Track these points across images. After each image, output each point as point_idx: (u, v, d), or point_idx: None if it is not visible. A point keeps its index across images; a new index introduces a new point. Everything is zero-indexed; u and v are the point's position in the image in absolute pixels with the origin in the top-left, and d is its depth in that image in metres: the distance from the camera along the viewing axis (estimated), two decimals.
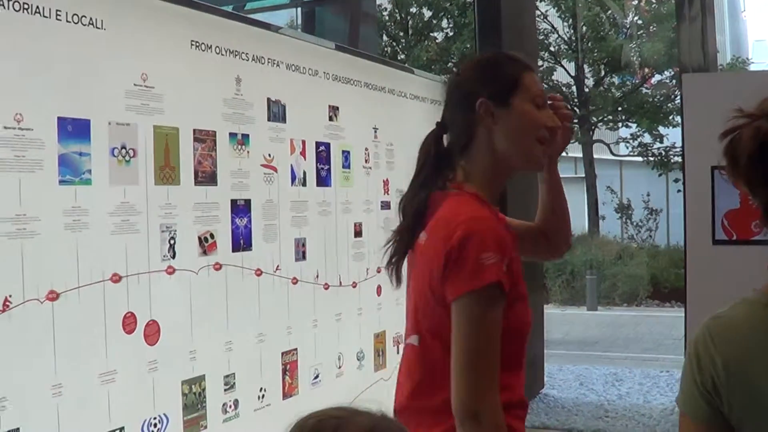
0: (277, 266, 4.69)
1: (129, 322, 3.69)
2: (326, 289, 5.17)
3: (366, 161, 5.71)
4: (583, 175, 26.68)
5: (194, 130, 4.10)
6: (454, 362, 2.15)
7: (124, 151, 3.69)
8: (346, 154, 5.44)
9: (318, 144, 5.13)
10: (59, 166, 3.38)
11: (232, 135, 4.36)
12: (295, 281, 4.85)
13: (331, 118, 5.29)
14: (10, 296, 3.17)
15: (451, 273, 2.16)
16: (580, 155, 26.37)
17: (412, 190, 2.42)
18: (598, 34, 25.22)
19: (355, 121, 5.58)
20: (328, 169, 5.22)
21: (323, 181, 5.16)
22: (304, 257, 4.95)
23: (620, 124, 27.80)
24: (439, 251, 2.19)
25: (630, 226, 26.86)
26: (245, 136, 4.45)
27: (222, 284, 4.26)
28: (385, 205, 5.95)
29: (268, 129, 4.66)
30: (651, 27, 25.47)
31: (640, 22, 25.82)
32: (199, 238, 4.11)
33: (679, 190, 23.77)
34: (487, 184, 2.37)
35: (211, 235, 4.18)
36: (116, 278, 3.62)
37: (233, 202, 4.35)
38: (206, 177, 4.16)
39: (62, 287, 3.38)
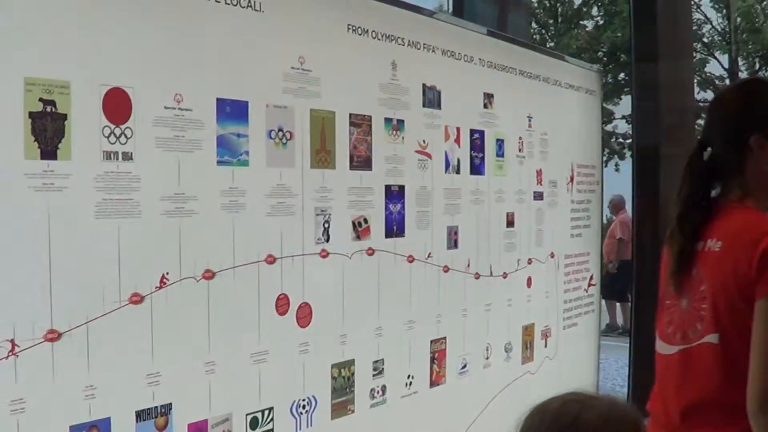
0: (429, 253, 4.50)
1: (282, 304, 3.57)
2: (477, 278, 4.94)
3: (520, 150, 5.44)
4: None
5: (350, 115, 3.94)
6: (755, 355, 2.26)
7: (281, 133, 3.56)
8: (500, 143, 5.18)
9: (473, 131, 4.90)
10: (217, 147, 3.28)
11: (388, 120, 4.19)
12: (446, 269, 4.64)
13: (485, 106, 5.05)
14: (167, 273, 3.09)
15: (762, 273, 2.30)
16: None
17: (685, 204, 2.57)
18: (753, 26, 23.93)
19: (510, 109, 5.32)
20: (482, 157, 4.99)
21: (477, 169, 4.93)
22: (456, 245, 4.73)
23: None
24: (748, 254, 2.33)
25: None
26: (400, 122, 4.27)
27: (374, 269, 4.10)
28: (538, 196, 5.67)
29: (423, 115, 4.46)
30: None
31: None
32: (353, 223, 3.95)
33: None
34: (761, 202, 2.53)
35: (365, 220, 4.02)
36: (271, 259, 3.50)
37: (387, 187, 4.17)
38: (361, 161, 4.00)
39: (218, 266, 3.27)
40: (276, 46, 3.57)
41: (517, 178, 5.40)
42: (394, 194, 4.22)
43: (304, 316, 3.68)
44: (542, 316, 5.77)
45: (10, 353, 2.63)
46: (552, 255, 5.88)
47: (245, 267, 3.39)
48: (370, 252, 4.06)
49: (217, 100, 3.28)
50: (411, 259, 4.35)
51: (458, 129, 4.75)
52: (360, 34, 4.05)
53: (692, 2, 21.68)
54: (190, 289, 3.16)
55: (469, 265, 4.86)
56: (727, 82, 24.50)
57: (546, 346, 5.84)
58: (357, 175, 3.97)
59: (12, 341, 2.64)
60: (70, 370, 2.79)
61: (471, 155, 4.87)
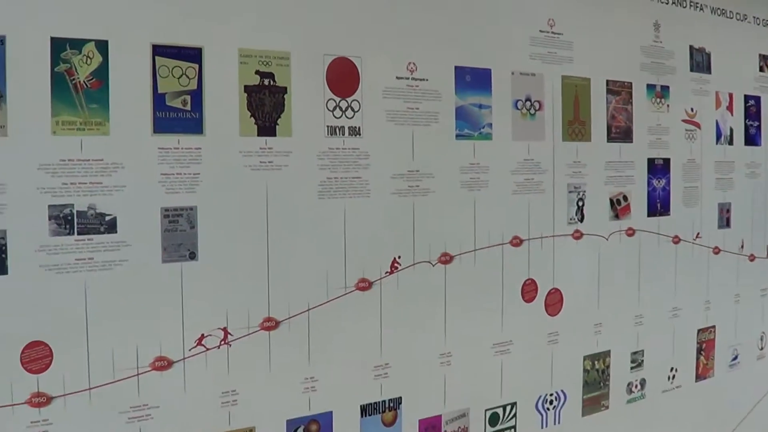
0: (698, 234, 3.58)
1: (529, 290, 2.87)
2: (752, 260, 3.94)
3: None
4: None
5: (607, 81, 3.13)
6: None
7: (528, 103, 2.84)
8: None
9: (747, 98, 3.88)
10: (456, 120, 2.63)
11: (650, 87, 3.33)
12: (716, 251, 3.70)
13: (761, 69, 4.00)
14: (399, 257, 2.49)
15: None
16: None
17: None
18: None
19: None
20: (758, 126, 3.95)
21: (752, 139, 3.91)
22: (728, 224, 3.77)
23: None
24: None
25: None
26: (664, 88, 3.39)
27: (634, 252, 3.27)
28: None
29: (690, 80, 3.54)
30: None
31: None
32: (611, 200, 3.16)
33: None
34: None
35: (624, 198, 3.21)
36: (517, 242, 2.81)
37: (650, 161, 3.32)
38: (620, 133, 3.18)
39: (456, 249, 2.63)
40: (521, 8, 2.85)
41: None
42: (658, 168, 3.36)
43: (554, 303, 2.96)
44: None
45: (222, 342, 2.15)
46: None
47: (487, 250, 2.72)
48: (630, 232, 3.24)
49: (456, 68, 2.63)
50: (677, 240, 3.47)
51: (731, 95, 3.77)
52: None
53: None
54: (424, 274, 2.55)
55: (742, 246, 3.88)
56: None
57: None
58: (615, 147, 3.16)
59: (224, 329, 2.16)
60: (289, 360, 2.28)
61: (745, 124, 3.87)
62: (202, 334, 2.13)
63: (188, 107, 2.10)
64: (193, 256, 2.10)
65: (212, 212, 2.12)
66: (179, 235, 2.08)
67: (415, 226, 2.52)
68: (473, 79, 2.67)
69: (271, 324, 2.22)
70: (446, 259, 2.60)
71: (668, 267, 3.44)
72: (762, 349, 4.05)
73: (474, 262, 2.67)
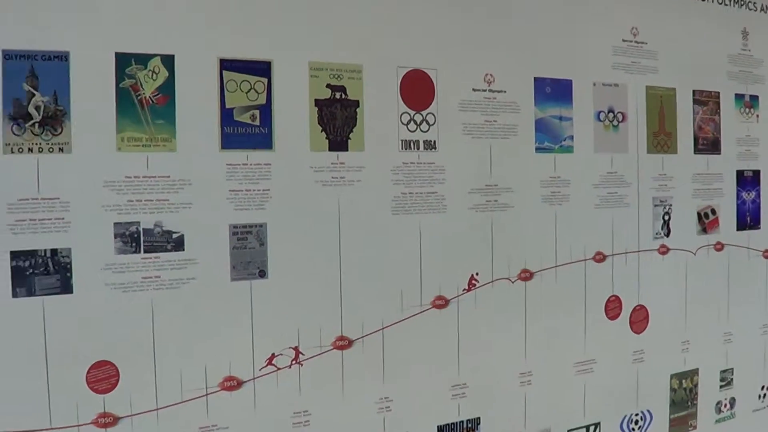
0: None
1: (613, 307, 2.51)
2: None
3: None
4: None
5: (694, 91, 2.74)
6: None
7: (611, 115, 2.49)
8: None
9: None
10: (536, 132, 2.30)
11: (739, 96, 2.91)
12: None
13: None
14: (477, 274, 2.18)
15: None
16: None
17: None
18: None
19: None
20: None
21: None
22: None
23: None
24: None
25: None
26: (753, 98, 2.96)
27: (723, 267, 2.86)
28: None
29: None
30: None
31: None
32: (698, 214, 2.76)
33: None
34: None
35: (713, 211, 2.80)
36: (600, 257, 2.46)
37: (739, 173, 2.90)
38: (707, 144, 2.78)
39: (537, 266, 2.30)
40: (604, 16, 2.50)
41: None
42: (748, 180, 2.94)
43: (639, 320, 2.59)
44: None
45: (294, 362, 1.89)
46: None
47: (569, 266, 2.38)
48: (719, 247, 2.83)
49: (535, 79, 2.31)
50: None
51: None
52: (703, 0, 2.83)
53: None
54: (503, 292, 2.23)
55: None
56: None
57: None
58: (703, 159, 2.77)
59: (296, 348, 1.90)
60: (362, 380, 2.00)
61: None
62: (273, 354, 1.88)
63: (257, 122, 1.86)
64: (263, 274, 1.86)
65: (282, 229, 1.87)
66: (248, 252, 1.84)
67: (493, 241, 2.21)
68: (553, 91, 2.35)
69: (344, 343, 1.96)
70: (526, 275, 2.28)
71: (759, 282, 3.00)
72: None
73: (555, 279, 2.34)
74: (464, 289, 2.15)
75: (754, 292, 2.97)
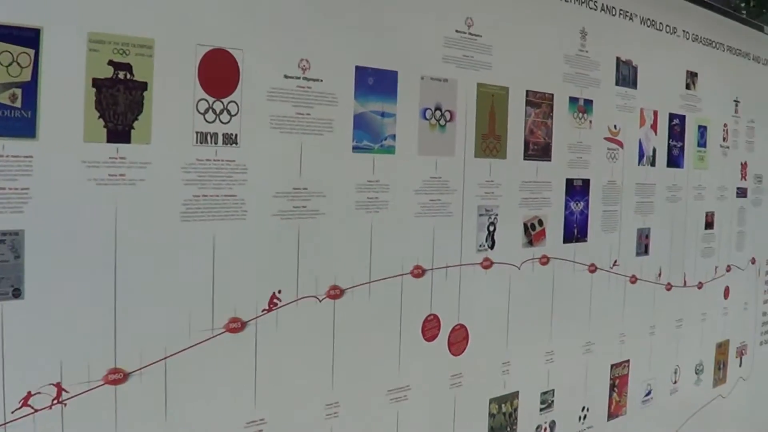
0: (615, 261, 3.38)
1: (431, 327, 2.58)
2: (668, 289, 3.78)
3: (724, 140, 4.19)
4: None
5: (527, 92, 2.88)
6: None
7: (438, 113, 2.55)
8: (702, 130, 3.96)
9: (672, 116, 3.71)
10: (354, 129, 2.31)
11: (573, 100, 3.09)
12: (633, 280, 3.51)
13: (688, 86, 3.84)
14: (279, 292, 2.16)
15: None
16: None
17: None
18: None
19: (715, 92, 4.07)
20: (681, 147, 3.79)
21: (675, 160, 3.74)
22: (646, 251, 3.58)
23: None
24: None
25: None
26: (588, 102, 3.16)
27: (548, 282, 3.03)
28: (741, 193, 4.40)
29: (615, 95, 3.33)
30: None
31: None
32: (525, 225, 2.91)
33: None
34: None
35: (540, 222, 2.96)
36: (418, 272, 2.52)
37: (569, 182, 3.09)
38: (538, 150, 2.93)
39: (348, 282, 2.32)
40: (436, 3, 2.55)
41: (719, 172, 4.16)
42: (577, 190, 3.13)
43: (459, 341, 2.68)
44: (738, 332, 4.52)
45: (55, 401, 1.77)
46: (753, 260, 4.60)
47: (385, 282, 2.42)
48: (544, 261, 3.00)
49: (357, 68, 2.31)
50: (593, 269, 3.26)
51: (655, 113, 3.59)
52: None
53: None
54: (309, 312, 2.23)
55: (660, 275, 3.71)
56: None
57: (740, 366, 4.58)
58: (532, 166, 2.91)
59: (58, 385, 1.78)
60: (141, 420, 1.91)
61: (669, 144, 3.69)
62: (29, 392, 1.74)
63: (18, 103, 1.71)
64: (17, 293, 1.72)
65: (44, 238, 1.74)
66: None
67: (299, 254, 2.19)
68: (376, 83, 2.36)
69: (118, 376, 1.86)
70: (336, 293, 2.28)
71: (583, 298, 3.22)
72: (675, 382, 3.90)
73: (369, 296, 2.37)
74: (264, 310, 2.12)
75: (577, 308, 3.18)
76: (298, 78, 2.17)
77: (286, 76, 2.15)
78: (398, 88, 2.43)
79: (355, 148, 2.32)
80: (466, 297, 2.68)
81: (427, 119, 2.51)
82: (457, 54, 2.61)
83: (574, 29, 3.11)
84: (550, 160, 2.98)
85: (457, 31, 2.61)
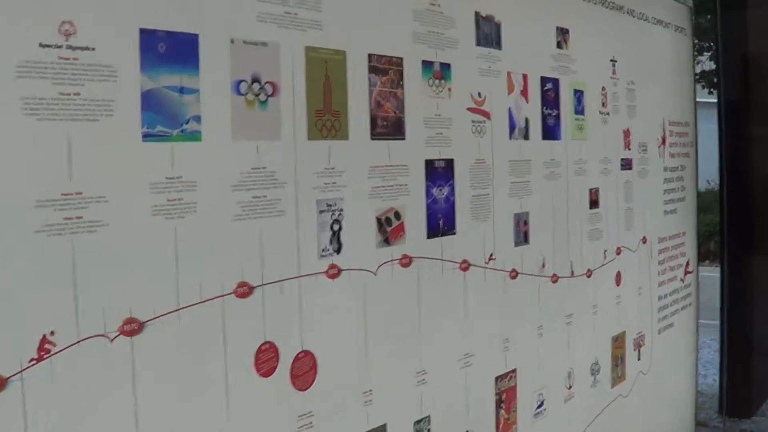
0: (491, 255, 3.12)
1: (266, 358, 2.23)
2: (554, 281, 3.57)
3: (603, 105, 4.02)
4: None
5: (370, 56, 2.56)
6: None
7: (257, 86, 2.20)
8: (578, 95, 3.77)
9: (544, 80, 3.49)
10: (143, 111, 1.92)
11: (427, 65, 2.80)
12: (514, 274, 3.27)
13: (559, 45, 3.63)
14: (52, 334, 1.75)
15: None
16: None
17: None
18: None
19: (590, 51, 3.90)
20: (557, 116, 3.58)
21: (551, 131, 3.53)
22: (526, 240, 3.35)
23: None
24: None
25: None
26: (445, 67, 2.88)
27: (412, 287, 2.74)
28: (626, 164, 4.26)
29: (476, 57, 3.07)
30: None
31: None
32: (378, 220, 2.59)
33: None
34: None
35: (397, 215, 2.65)
36: (244, 290, 2.16)
37: (428, 163, 2.79)
38: (388, 127, 2.62)
39: (149, 312, 1.94)
40: None
41: (601, 143, 3.99)
42: (439, 173, 2.84)
43: (304, 372, 2.34)
44: (634, 321, 4.39)
45: None
46: (644, 240, 4.49)
47: (200, 307, 2.05)
48: (406, 262, 2.70)
49: (141, 32, 1.93)
50: (465, 266, 2.98)
51: (525, 77, 3.35)
52: None
53: None
54: (98, 356, 1.83)
55: (544, 266, 3.48)
56: None
57: (639, 359, 4.45)
58: (382, 147, 2.60)
59: None
60: None
61: (543, 113, 3.47)
62: None
63: None
64: None
65: None
66: None
67: (77, 280, 1.79)
68: (170, 50, 1.99)
69: None
70: (133, 328, 1.90)
71: (456, 302, 2.95)
72: (570, 388, 3.70)
73: (178, 328, 1.99)
74: (33, 360, 1.72)
75: (450, 314, 2.90)
76: (60, 47, 1.77)
77: (42, 45, 1.74)
78: (200, 55, 2.07)
79: (146, 136, 1.93)
80: (309, 316, 2.34)
81: (242, 94, 2.16)
82: (276, 10, 2.26)
83: None
84: (403, 139, 2.68)
85: None
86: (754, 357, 6.05)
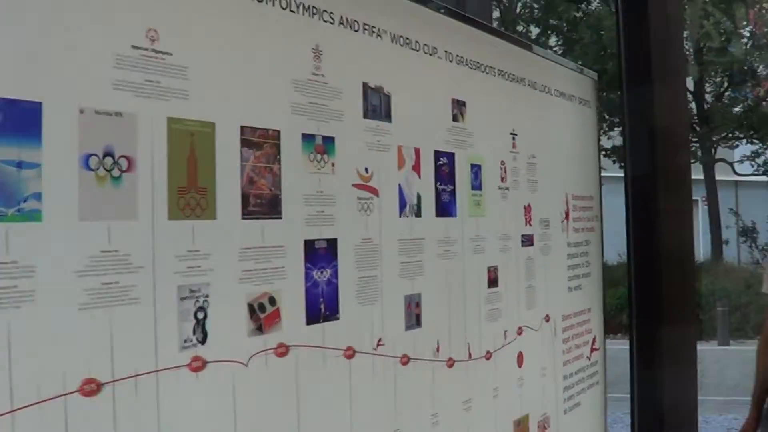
0: (379, 340, 2.98)
1: None
2: (450, 366, 3.44)
3: (502, 179, 3.96)
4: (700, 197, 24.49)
5: (242, 129, 2.43)
6: None
7: (109, 160, 2.04)
8: (476, 170, 3.70)
9: (438, 154, 3.41)
10: None
11: (308, 138, 2.68)
12: (405, 360, 3.13)
13: (455, 118, 3.57)
14: None
15: None
16: (701, 176, 24.04)
17: None
18: (720, 44, 22.88)
19: (488, 123, 3.85)
20: (453, 191, 3.50)
21: (445, 208, 3.44)
22: (418, 323, 3.22)
23: (744, 141, 25.49)
24: None
25: (755, 251, 24.61)
26: (328, 140, 2.77)
27: (289, 379, 2.57)
28: (527, 241, 4.19)
29: (363, 130, 2.97)
30: None
31: (765, 30, 23.58)
32: (251, 306, 2.43)
33: None
34: None
35: (272, 300, 2.50)
36: (92, 387, 1.98)
37: (308, 244, 2.65)
38: (263, 205, 2.48)
39: None
40: (105, 7, 2.06)
41: (499, 219, 3.92)
42: (321, 254, 2.71)
43: None
44: (538, 403, 4.28)
45: None
46: (547, 318, 4.41)
47: (37, 408, 1.86)
48: (282, 351, 2.54)
49: None
50: (350, 353, 2.84)
51: (417, 151, 3.26)
52: (260, 0, 2.56)
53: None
54: None
55: (438, 350, 3.36)
56: (693, 105, 23.63)
57: None
58: (255, 227, 2.46)
59: None
60: None
61: (437, 188, 3.38)
62: None
63: None
64: None
65: None
66: None
67: None
68: (7, 119, 1.83)
69: None
70: None
71: (340, 394, 2.79)
72: None
73: None
74: None
75: (335, 407, 2.74)
76: None
77: None
78: (43, 125, 1.91)
79: None
80: (169, 415, 2.15)
81: (92, 169, 2.00)
82: (135, 78, 2.12)
83: (305, 47, 2.72)
84: (280, 218, 2.54)
85: (134, 46, 2.13)
86: (665, 430, 6.01)
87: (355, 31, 2.98)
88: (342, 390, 2.80)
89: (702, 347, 16.13)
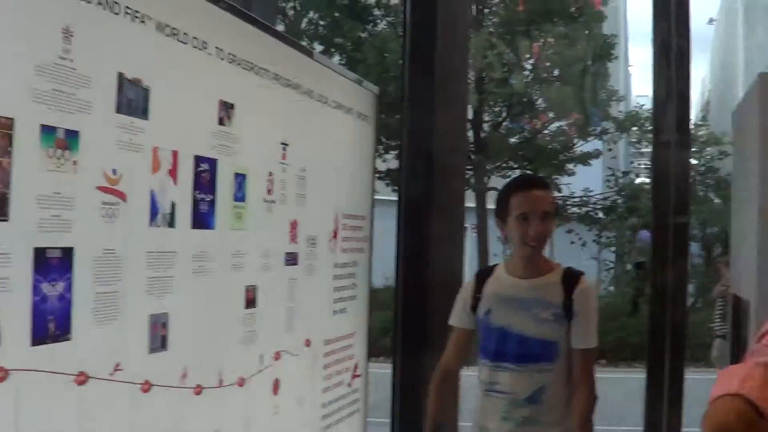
0: (117, 364, 2.74)
1: None
2: (198, 393, 3.23)
3: (269, 192, 3.80)
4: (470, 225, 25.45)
5: None
6: None
7: None
8: (240, 180, 3.52)
9: (199, 160, 3.20)
10: None
11: (48, 130, 2.42)
12: (147, 387, 2.90)
13: (221, 121, 3.38)
14: None
15: None
16: (473, 204, 24.96)
17: None
18: (501, 75, 23.86)
19: (258, 131, 3.69)
20: (212, 201, 3.30)
21: (203, 219, 3.24)
22: (163, 346, 3.00)
23: (518, 171, 26.74)
24: None
25: None
26: (72, 135, 2.51)
27: (8, 409, 2.29)
28: (291, 260, 4.06)
29: (115, 126, 2.73)
30: (554, 71, 24.56)
31: (547, 64, 24.85)
32: None
33: (572, 242, 22.90)
34: None
35: None
36: None
37: (39, 252, 2.38)
38: None
39: None
40: None
41: (263, 234, 3.76)
42: (53, 265, 2.44)
43: None
44: None
45: None
46: (308, 343, 4.29)
47: None
48: (1, 376, 2.25)
49: None
50: (83, 379, 2.58)
51: (175, 154, 3.05)
52: None
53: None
54: None
55: (185, 375, 3.14)
56: (471, 134, 24.52)
57: None
58: None
59: None
60: None
61: (194, 197, 3.18)
62: None
63: None
64: None
65: None
66: None
67: None
68: None
69: None
70: None
71: (69, 425, 2.53)
72: None
73: None
74: None
75: None
76: None
77: None
78: None
79: None
80: None
81: None
82: None
83: (54, 25, 2.46)
84: (6, 220, 2.26)
85: None
86: None
87: (115, 14, 2.74)
88: (70, 421, 2.54)
89: (469, 372, 16.67)
